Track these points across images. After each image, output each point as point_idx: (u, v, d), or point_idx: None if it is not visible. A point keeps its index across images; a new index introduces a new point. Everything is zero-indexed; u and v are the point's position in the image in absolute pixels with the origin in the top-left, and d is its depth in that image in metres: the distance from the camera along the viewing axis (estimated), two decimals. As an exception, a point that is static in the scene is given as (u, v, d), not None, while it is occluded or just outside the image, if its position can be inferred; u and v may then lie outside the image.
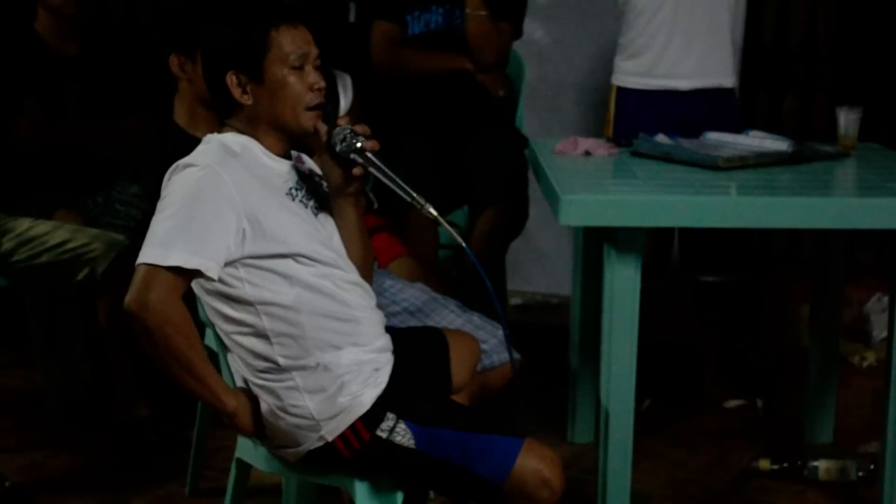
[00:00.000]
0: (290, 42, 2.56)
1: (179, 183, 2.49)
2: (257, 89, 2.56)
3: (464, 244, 2.63)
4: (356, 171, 2.61)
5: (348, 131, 2.58)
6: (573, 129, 4.76)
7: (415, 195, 2.57)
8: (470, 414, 2.64)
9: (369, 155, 2.59)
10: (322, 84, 2.59)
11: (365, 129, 2.61)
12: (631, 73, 4.10)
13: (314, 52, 2.59)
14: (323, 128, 2.60)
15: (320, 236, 2.61)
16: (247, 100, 2.57)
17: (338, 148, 2.59)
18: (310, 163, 2.73)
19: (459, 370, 2.82)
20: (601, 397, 3.14)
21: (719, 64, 4.06)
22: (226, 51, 2.57)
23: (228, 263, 2.48)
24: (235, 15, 2.60)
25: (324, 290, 2.55)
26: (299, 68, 2.57)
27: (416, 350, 2.73)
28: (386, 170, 2.58)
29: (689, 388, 4.27)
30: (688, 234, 4.45)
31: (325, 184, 2.69)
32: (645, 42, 4.06)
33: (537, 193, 3.64)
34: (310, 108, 2.58)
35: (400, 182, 2.58)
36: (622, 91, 4.05)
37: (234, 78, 2.56)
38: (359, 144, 2.58)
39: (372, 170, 2.59)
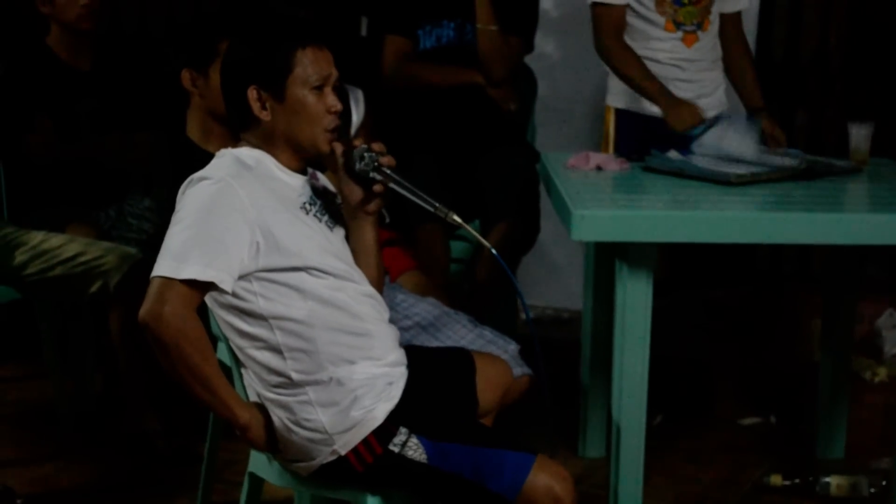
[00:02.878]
0: (314, 63, 2.58)
1: (194, 196, 2.51)
2: (277, 106, 2.58)
3: (493, 250, 2.65)
4: (377, 187, 2.64)
5: (366, 149, 2.62)
6: (585, 144, 4.75)
7: (437, 205, 2.61)
8: (483, 429, 2.64)
9: (388, 171, 2.62)
10: (340, 107, 2.61)
11: (381, 146, 2.64)
12: (627, 94, 4.02)
13: (335, 74, 2.62)
14: (339, 148, 2.62)
15: (334, 249, 2.62)
16: (265, 116, 2.59)
17: (357, 167, 2.62)
18: (323, 180, 2.75)
19: (486, 393, 2.82)
20: (613, 412, 3.14)
21: (717, 96, 4.03)
22: (250, 66, 2.58)
23: (242, 277, 2.49)
24: (263, 31, 2.61)
25: (337, 303, 2.56)
26: (319, 89, 2.59)
27: (439, 369, 2.74)
28: (406, 184, 2.62)
29: (701, 403, 4.26)
30: (693, 248, 4.42)
31: (339, 200, 2.71)
32: None
33: (549, 208, 3.64)
34: (327, 131, 2.60)
35: (421, 194, 2.62)
36: (621, 113, 4.01)
37: (255, 93, 2.58)
38: (377, 163, 2.61)
39: (392, 185, 2.62)
